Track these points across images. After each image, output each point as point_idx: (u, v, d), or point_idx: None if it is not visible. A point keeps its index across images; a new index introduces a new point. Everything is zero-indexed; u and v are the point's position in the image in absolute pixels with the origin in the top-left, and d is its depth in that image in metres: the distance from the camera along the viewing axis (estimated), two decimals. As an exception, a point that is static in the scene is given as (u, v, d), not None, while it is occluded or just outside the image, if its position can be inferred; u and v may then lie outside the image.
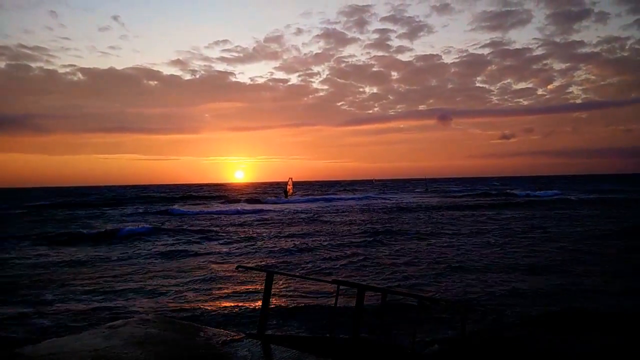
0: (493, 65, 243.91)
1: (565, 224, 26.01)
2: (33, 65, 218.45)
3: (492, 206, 41.35)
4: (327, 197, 65.25)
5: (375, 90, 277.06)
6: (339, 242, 20.42)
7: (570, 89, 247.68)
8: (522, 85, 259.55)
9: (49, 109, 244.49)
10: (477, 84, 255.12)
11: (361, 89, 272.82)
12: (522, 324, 8.75)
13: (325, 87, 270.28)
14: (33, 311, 10.01)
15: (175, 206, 46.63)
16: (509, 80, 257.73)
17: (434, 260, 15.55)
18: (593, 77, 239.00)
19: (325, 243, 20.28)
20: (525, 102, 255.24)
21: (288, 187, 68.02)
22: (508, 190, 71.36)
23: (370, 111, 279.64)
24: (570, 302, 10.12)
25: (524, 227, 24.90)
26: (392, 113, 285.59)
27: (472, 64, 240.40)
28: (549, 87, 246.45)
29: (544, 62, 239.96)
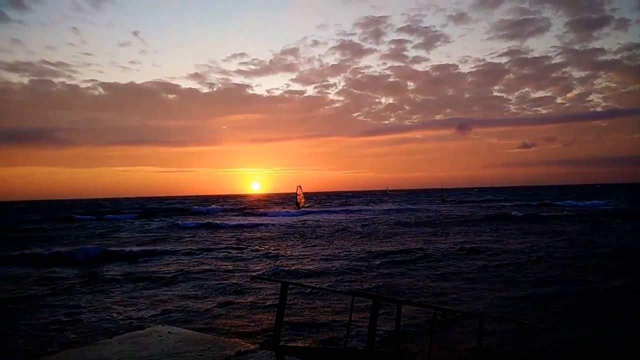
0: (511, 74, 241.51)
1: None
2: (56, 80, 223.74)
3: (551, 218, 36.93)
4: (352, 209, 59.17)
5: (391, 100, 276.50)
6: (457, 271, 15.35)
7: (590, 97, 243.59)
8: (540, 93, 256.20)
9: (71, 123, 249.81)
10: (495, 93, 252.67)
11: (377, 100, 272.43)
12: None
13: (341, 98, 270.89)
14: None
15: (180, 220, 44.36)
16: (527, 89, 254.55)
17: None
18: (614, 85, 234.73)
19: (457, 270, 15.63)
20: (544, 111, 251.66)
21: (298, 197, 63.57)
22: (546, 201, 64.76)
23: (387, 122, 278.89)
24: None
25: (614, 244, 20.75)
26: (408, 123, 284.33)
27: (489, 73, 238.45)
28: (568, 95, 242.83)
29: (563, 70, 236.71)
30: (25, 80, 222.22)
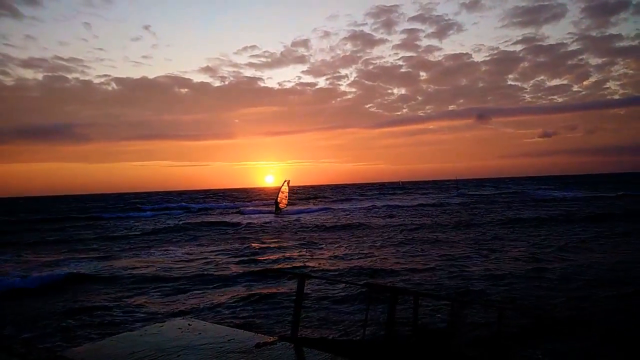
0: (525, 62, 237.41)
1: None
2: (69, 76, 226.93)
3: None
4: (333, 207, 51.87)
5: (403, 91, 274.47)
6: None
7: (608, 85, 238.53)
8: (556, 82, 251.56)
9: (87, 118, 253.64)
10: (509, 82, 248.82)
11: (389, 91, 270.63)
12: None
13: (353, 89, 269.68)
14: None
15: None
16: (542, 77, 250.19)
17: None
18: (631, 72, 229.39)
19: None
20: (560, 99, 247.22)
21: (280, 195, 47.68)
22: (620, 192, 56.76)
23: (399, 113, 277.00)
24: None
25: None
26: (421, 114, 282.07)
27: (503, 61, 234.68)
28: (584, 83, 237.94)
29: (579, 57, 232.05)
30: (40, 76, 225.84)
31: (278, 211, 45.84)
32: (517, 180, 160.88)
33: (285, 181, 48.57)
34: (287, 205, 48.20)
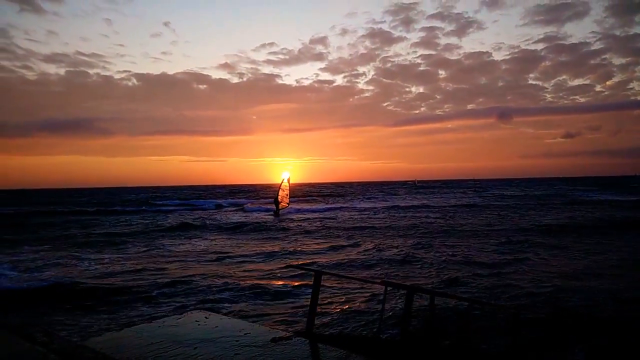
0: (547, 62, 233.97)
1: None
2: (91, 71, 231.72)
3: None
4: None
5: (421, 89, 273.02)
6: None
7: (631, 85, 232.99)
8: (578, 81, 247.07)
9: (108, 113, 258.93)
10: (530, 81, 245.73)
11: (407, 89, 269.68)
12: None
13: (371, 87, 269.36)
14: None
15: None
16: (564, 77, 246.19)
17: None
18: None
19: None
20: (582, 100, 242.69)
21: (281, 194, 40.82)
22: None
23: (417, 111, 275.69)
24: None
25: None
26: (440, 113, 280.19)
27: (524, 60, 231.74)
28: (607, 83, 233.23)
29: (603, 56, 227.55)
30: (62, 71, 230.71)
31: (278, 212, 39.58)
32: (547, 181, 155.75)
33: (284, 177, 41.36)
34: (289, 204, 41.89)
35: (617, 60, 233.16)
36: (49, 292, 11.97)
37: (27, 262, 16.45)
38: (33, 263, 16.32)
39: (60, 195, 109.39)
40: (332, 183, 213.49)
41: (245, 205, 50.90)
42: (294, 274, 13.37)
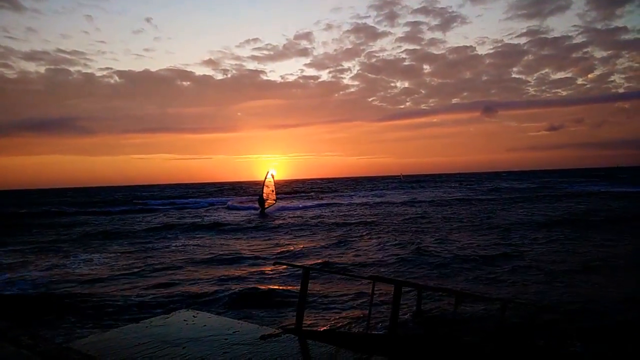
0: (530, 55, 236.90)
1: None
2: (72, 69, 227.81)
3: None
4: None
5: (406, 84, 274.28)
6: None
7: (612, 78, 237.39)
8: (560, 75, 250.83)
9: (89, 111, 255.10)
10: (513, 75, 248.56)
11: (392, 84, 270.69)
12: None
13: (356, 82, 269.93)
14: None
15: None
16: (546, 70, 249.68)
17: None
18: (637, 65, 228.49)
19: None
20: (564, 93, 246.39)
21: (266, 190, 39.15)
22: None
23: (402, 106, 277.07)
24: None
25: None
26: (425, 107, 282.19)
27: (507, 54, 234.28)
28: (589, 76, 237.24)
29: (584, 50, 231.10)
30: (42, 69, 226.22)
31: (264, 210, 37.97)
32: (534, 174, 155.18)
33: (269, 173, 39.79)
34: (276, 200, 40.88)
35: (599, 54, 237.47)
36: (31, 296, 11.78)
37: (5, 265, 16.17)
38: (12, 266, 16.04)
39: (42, 196, 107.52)
40: (319, 179, 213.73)
41: (229, 203, 50.20)
42: (282, 271, 13.34)
